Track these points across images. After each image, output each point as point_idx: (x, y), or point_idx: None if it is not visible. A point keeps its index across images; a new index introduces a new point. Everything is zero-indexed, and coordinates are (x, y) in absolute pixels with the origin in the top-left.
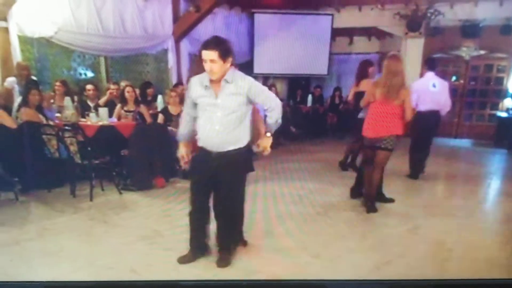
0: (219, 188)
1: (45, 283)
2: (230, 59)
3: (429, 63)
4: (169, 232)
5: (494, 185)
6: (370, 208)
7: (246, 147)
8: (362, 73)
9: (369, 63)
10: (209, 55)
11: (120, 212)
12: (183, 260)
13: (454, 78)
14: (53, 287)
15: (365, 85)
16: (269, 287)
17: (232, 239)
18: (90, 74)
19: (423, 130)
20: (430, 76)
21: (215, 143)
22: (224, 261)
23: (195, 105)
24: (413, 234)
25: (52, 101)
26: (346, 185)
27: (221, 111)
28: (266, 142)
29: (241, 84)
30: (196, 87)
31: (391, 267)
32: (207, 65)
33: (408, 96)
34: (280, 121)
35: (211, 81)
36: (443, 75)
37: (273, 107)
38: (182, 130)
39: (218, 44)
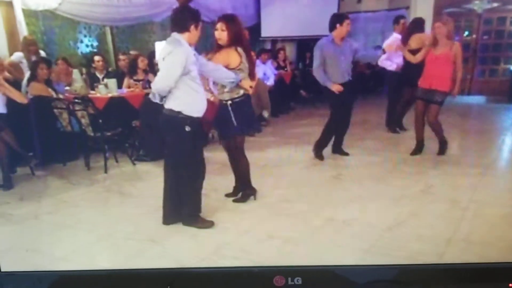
0: None
1: (61, 272)
2: None
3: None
4: None
5: (508, 142)
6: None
7: None
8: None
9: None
10: None
11: (135, 183)
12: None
13: (466, 33)
14: (69, 276)
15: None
16: (279, 273)
17: None
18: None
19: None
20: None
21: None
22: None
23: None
24: (426, 193)
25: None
26: (359, 147)
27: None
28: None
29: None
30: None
31: (403, 228)
32: None
33: None
34: None
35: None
36: None
37: None
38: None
39: None
